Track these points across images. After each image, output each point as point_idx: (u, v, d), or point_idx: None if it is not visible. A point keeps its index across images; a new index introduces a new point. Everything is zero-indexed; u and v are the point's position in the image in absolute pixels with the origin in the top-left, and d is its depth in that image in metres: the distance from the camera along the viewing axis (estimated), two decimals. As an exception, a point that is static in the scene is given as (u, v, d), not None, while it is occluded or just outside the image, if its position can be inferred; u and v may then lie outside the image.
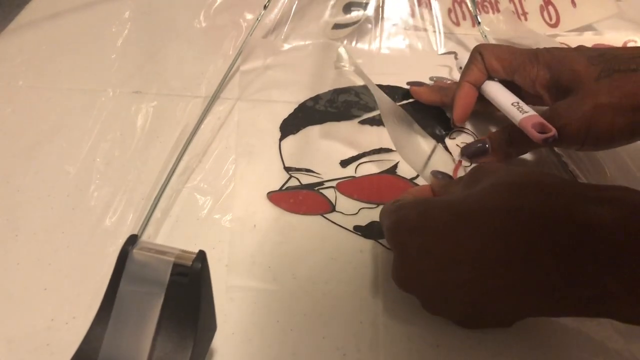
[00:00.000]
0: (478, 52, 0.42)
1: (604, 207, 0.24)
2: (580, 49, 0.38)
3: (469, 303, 0.29)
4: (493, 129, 0.45)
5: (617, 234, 0.23)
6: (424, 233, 0.28)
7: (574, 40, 0.54)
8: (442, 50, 0.55)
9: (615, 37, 0.54)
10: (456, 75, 0.48)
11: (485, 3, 0.57)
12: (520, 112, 0.38)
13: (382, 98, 0.41)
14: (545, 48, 0.39)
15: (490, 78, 0.42)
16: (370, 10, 0.57)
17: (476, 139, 0.44)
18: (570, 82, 0.36)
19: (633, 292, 0.23)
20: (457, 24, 0.57)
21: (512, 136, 0.39)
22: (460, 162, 0.42)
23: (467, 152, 0.42)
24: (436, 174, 0.37)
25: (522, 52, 0.40)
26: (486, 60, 0.41)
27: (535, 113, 0.37)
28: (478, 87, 0.43)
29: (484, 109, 0.44)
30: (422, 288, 0.30)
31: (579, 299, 0.25)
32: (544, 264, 0.25)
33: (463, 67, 0.44)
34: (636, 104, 0.34)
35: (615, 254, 0.23)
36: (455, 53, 0.52)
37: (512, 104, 0.39)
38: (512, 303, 0.27)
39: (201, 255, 0.25)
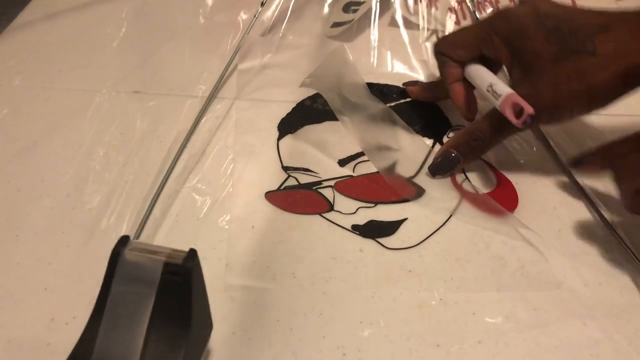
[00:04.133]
0: (440, 53, 0.41)
1: None
2: (537, 11, 0.36)
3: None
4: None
5: None
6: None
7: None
8: None
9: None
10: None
11: (486, 2, 0.57)
12: (495, 97, 0.36)
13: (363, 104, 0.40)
14: (498, 16, 0.38)
15: (467, 64, 0.41)
16: (369, 9, 0.57)
17: (440, 150, 0.41)
18: (530, 62, 0.36)
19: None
20: (458, 23, 0.57)
21: (475, 135, 0.39)
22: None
23: (439, 171, 0.40)
24: None
25: (479, 26, 0.39)
26: (452, 55, 0.41)
27: (509, 91, 0.35)
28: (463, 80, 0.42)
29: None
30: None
31: None
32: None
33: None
34: (594, 93, 0.34)
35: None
36: None
37: (487, 90, 0.37)
38: None
39: (192, 254, 0.25)
